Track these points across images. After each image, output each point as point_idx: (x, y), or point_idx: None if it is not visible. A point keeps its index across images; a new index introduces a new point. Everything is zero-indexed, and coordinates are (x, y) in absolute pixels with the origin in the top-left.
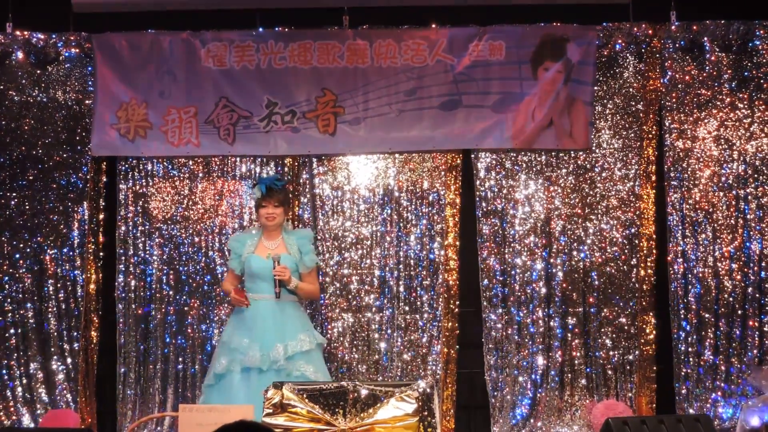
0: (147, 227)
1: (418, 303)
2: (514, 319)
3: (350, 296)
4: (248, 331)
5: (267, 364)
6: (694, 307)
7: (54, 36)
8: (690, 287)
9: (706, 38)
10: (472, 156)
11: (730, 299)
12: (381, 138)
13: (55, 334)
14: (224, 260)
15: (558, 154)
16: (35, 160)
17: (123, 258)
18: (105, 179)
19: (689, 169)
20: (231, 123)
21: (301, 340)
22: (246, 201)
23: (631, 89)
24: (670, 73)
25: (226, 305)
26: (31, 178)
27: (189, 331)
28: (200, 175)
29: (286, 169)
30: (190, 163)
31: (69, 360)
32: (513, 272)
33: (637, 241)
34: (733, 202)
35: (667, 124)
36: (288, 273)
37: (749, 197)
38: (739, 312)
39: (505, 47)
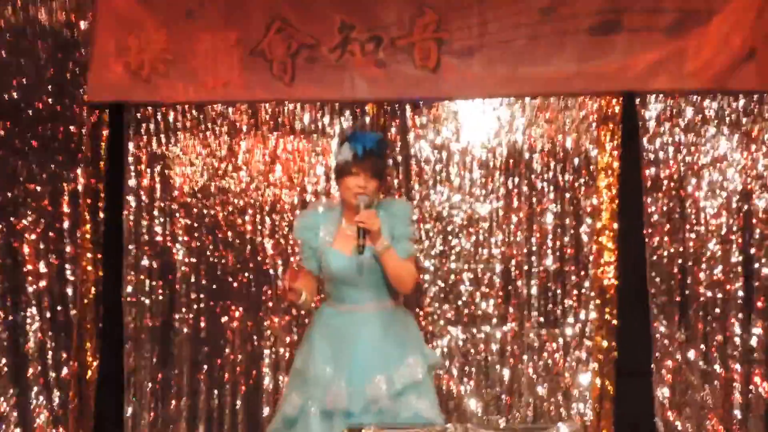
0: (168, 204)
1: (558, 312)
2: (697, 335)
3: (460, 302)
4: (332, 356)
5: (360, 405)
6: None
7: None
8: None
9: None
10: (637, 101)
11: None
12: (504, 76)
13: (37, 355)
14: (278, 250)
15: (762, 98)
16: (7, 108)
17: (133, 248)
18: (107, 135)
19: None
20: (289, 54)
21: (410, 365)
22: (308, 168)
23: None
24: None
25: (282, 313)
26: (1, 133)
27: (228, 350)
28: (244, 128)
29: (367, 119)
30: (230, 111)
31: (56, 393)
32: (697, 268)
33: None
34: None
35: None
36: (378, 223)
37: None
38: None
39: None
